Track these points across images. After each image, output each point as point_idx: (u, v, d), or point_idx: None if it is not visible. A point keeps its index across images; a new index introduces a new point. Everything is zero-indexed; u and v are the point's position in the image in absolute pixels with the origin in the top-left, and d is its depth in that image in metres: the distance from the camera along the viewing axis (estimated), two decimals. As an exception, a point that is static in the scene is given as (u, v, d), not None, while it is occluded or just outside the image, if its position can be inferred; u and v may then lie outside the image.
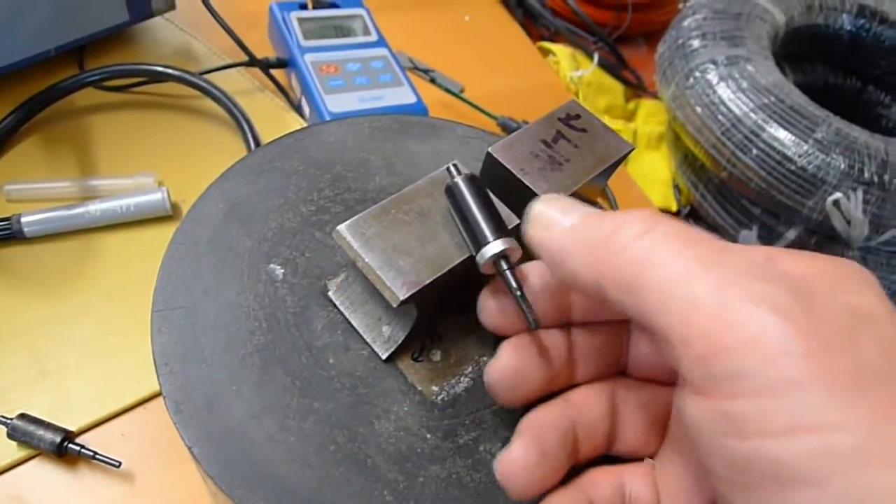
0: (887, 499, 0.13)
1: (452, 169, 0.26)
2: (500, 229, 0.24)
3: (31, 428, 0.37)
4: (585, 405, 0.23)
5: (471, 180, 0.26)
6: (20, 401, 0.39)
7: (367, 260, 0.25)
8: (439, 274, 0.25)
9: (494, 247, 0.23)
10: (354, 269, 0.27)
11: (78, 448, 0.37)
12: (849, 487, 0.14)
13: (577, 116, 0.31)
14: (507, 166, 0.28)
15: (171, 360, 0.26)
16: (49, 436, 0.37)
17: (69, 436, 0.38)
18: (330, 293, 0.28)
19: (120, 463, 0.37)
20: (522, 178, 0.28)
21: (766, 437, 0.15)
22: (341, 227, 0.25)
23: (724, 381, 0.15)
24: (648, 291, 0.17)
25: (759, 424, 0.15)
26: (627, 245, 0.18)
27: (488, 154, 0.29)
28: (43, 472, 0.38)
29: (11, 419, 0.37)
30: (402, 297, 0.24)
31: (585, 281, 0.19)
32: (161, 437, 0.40)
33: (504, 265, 0.23)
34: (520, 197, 0.28)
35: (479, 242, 0.24)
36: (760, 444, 0.15)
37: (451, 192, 0.26)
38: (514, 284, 0.23)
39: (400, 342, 0.27)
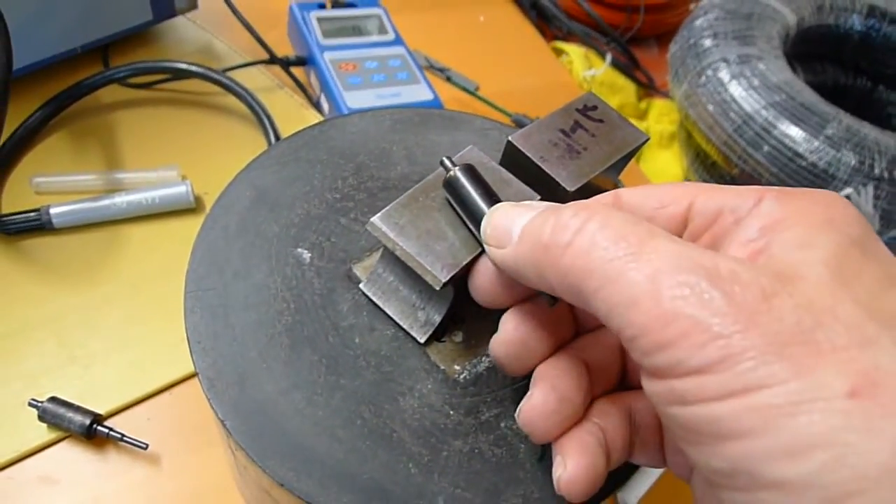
0: (802, 449, 0.15)
1: (447, 162, 0.27)
2: None
3: (62, 411, 0.38)
4: (595, 348, 0.25)
5: (468, 170, 0.26)
6: (50, 385, 0.41)
7: (405, 247, 0.26)
8: (475, 254, 0.25)
9: None
10: (385, 259, 0.28)
11: (107, 430, 0.38)
12: (779, 435, 0.16)
13: (594, 107, 0.32)
14: (528, 154, 0.29)
15: (203, 338, 0.27)
16: (79, 418, 0.38)
17: (98, 419, 0.39)
18: (361, 286, 0.29)
19: (147, 445, 0.38)
20: (542, 166, 0.29)
21: (705, 402, 0.17)
22: (375, 219, 0.26)
23: (667, 369, 0.17)
24: (592, 298, 0.19)
25: (699, 394, 0.17)
26: (564, 251, 0.20)
27: (509, 142, 0.30)
28: (72, 454, 0.39)
29: (42, 402, 0.39)
30: (443, 280, 0.25)
31: (544, 289, 0.21)
32: (186, 421, 0.41)
33: None
34: (540, 184, 0.29)
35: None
36: (701, 408, 0.17)
37: (450, 186, 0.26)
38: None
39: (437, 325, 0.28)
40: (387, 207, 0.27)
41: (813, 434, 0.15)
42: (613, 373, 0.25)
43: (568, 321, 0.25)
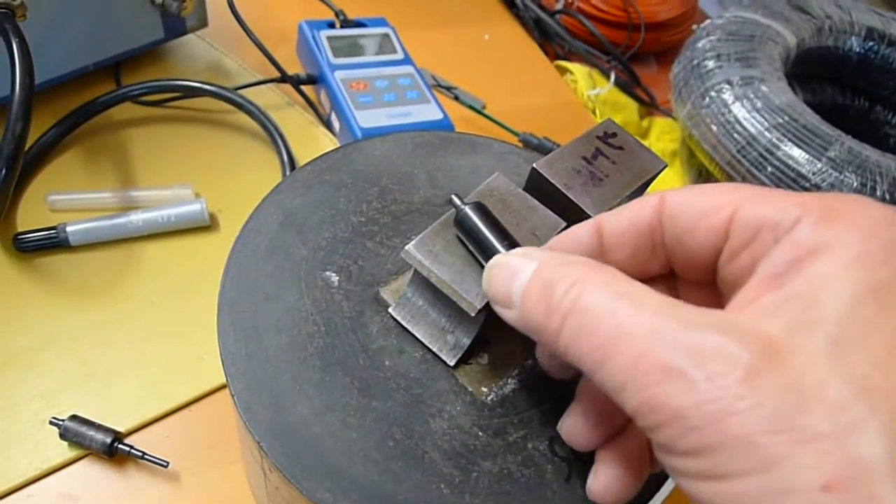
0: None
1: (456, 199, 0.27)
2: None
3: (83, 429, 0.39)
4: None
5: (478, 208, 0.27)
6: (69, 402, 0.41)
7: (440, 275, 0.26)
8: None
9: None
10: (414, 284, 0.29)
11: (127, 448, 0.39)
12: None
13: (614, 135, 0.33)
14: (553, 181, 0.30)
15: (237, 360, 0.28)
16: (100, 437, 0.39)
17: (119, 437, 0.39)
18: (391, 310, 0.30)
19: (168, 463, 0.39)
20: (567, 193, 0.30)
21: (691, 479, 0.18)
22: (410, 247, 0.27)
23: (656, 445, 0.19)
24: (591, 376, 0.20)
25: (684, 472, 0.18)
26: (558, 335, 0.20)
27: (533, 170, 0.30)
28: (93, 472, 0.39)
29: (64, 421, 0.39)
30: (478, 307, 0.26)
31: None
32: (205, 439, 0.42)
33: None
34: (564, 211, 0.30)
35: None
36: (687, 483, 0.18)
37: (462, 223, 0.27)
38: None
39: (466, 348, 0.28)
40: (420, 235, 0.27)
41: None
42: None
43: None
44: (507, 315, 0.23)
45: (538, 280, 0.22)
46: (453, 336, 0.29)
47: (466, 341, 0.28)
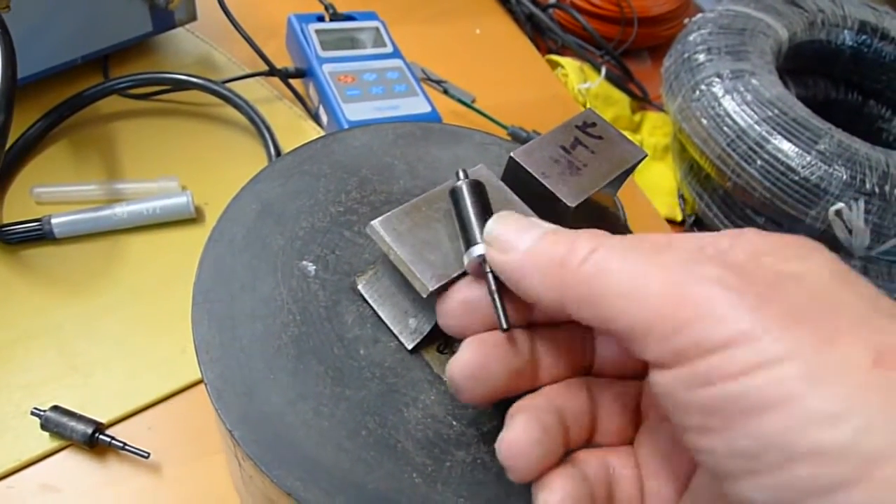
0: (836, 414, 0.16)
1: (461, 173, 0.28)
2: None
3: (64, 419, 0.39)
4: (566, 397, 0.24)
5: (474, 185, 0.27)
6: (51, 394, 0.41)
7: (398, 253, 0.26)
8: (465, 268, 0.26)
9: (479, 248, 0.25)
10: (384, 263, 0.29)
11: (108, 439, 0.39)
12: (811, 403, 0.16)
13: (594, 124, 0.33)
14: (530, 170, 0.30)
15: (211, 349, 0.28)
16: (81, 427, 0.39)
17: (100, 427, 0.39)
18: (359, 286, 0.30)
19: (149, 454, 0.39)
20: (544, 182, 0.29)
21: (730, 379, 0.17)
22: (375, 223, 0.27)
23: (689, 349, 0.18)
24: (606, 299, 0.20)
25: (722, 371, 0.17)
26: (580, 263, 0.20)
27: (511, 158, 0.30)
28: (74, 462, 0.39)
29: (45, 411, 0.39)
30: (431, 289, 0.25)
31: (546, 299, 0.22)
32: (187, 430, 0.42)
33: (488, 267, 0.24)
34: (541, 199, 0.30)
35: (469, 243, 0.25)
36: (727, 385, 0.17)
37: (454, 195, 0.27)
38: (493, 286, 0.24)
39: (426, 333, 0.28)
40: (388, 213, 0.27)
41: (844, 400, 0.16)
42: (583, 428, 0.25)
43: (528, 363, 0.25)
44: (500, 259, 0.23)
45: (558, 233, 0.22)
46: (416, 320, 0.29)
47: (427, 327, 0.28)
